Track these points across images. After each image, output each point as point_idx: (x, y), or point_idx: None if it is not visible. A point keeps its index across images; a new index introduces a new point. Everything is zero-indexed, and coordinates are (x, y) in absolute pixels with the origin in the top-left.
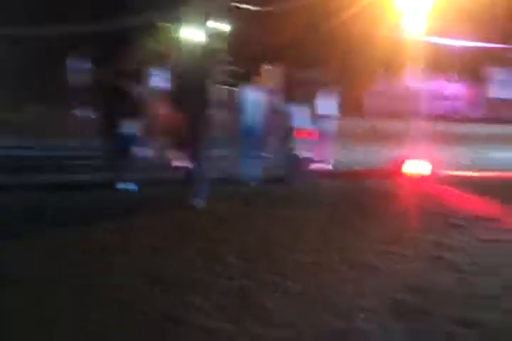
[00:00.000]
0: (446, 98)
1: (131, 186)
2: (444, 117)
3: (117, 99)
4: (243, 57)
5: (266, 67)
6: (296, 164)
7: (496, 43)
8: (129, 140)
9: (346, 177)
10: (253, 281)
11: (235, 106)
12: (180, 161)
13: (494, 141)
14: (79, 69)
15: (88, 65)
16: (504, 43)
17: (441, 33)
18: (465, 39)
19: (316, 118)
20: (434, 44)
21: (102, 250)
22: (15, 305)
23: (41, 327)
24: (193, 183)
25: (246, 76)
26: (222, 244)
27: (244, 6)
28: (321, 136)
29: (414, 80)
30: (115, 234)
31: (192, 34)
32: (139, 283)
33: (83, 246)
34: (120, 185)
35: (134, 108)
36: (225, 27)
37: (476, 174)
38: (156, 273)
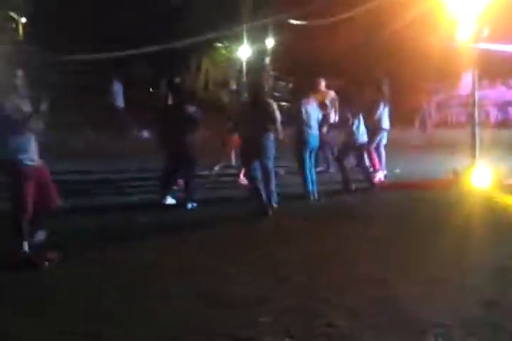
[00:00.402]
0: (508, 105)
1: (194, 204)
2: (505, 124)
3: (182, 120)
4: (294, 71)
5: (321, 82)
6: (367, 176)
7: None
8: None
9: (405, 188)
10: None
11: (300, 121)
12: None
13: None
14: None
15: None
16: None
17: (495, 39)
18: None
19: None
20: (489, 51)
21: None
22: None
23: None
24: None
25: (302, 91)
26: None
27: (296, 21)
28: (377, 148)
29: (471, 88)
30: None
31: (247, 52)
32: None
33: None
34: (188, 206)
35: (195, 128)
36: (272, 42)
37: None
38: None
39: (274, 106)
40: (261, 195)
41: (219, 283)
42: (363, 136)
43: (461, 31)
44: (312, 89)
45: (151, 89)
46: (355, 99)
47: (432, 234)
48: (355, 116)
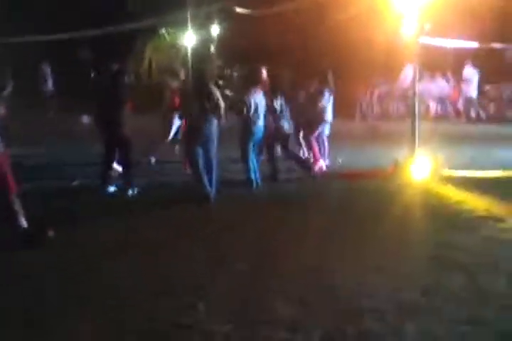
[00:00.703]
0: (447, 98)
1: (135, 190)
2: (444, 117)
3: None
4: (240, 60)
5: (262, 71)
6: (301, 165)
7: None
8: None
9: (347, 178)
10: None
11: (247, 110)
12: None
13: (493, 140)
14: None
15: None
16: (502, 42)
17: (438, 34)
18: (462, 39)
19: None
20: (430, 45)
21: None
22: None
23: None
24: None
25: (249, 80)
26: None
27: (241, 9)
28: (318, 138)
29: (412, 81)
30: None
31: (192, 39)
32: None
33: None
34: (129, 192)
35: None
36: (217, 30)
37: (478, 173)
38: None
39: (218, 93)
40: (203, 181)
41: (162, 271)
42: (287, 125)
43: (405, 26)
44: (255, 78)
45: (92, 74)
46: (285, 87)
47: (372, 224)
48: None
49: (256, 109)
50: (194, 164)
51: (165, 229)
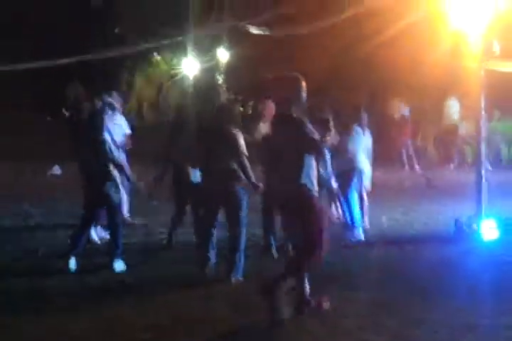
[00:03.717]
0: None
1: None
2: None
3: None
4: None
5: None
6: None
7: None
8: None
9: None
10: None
11: None
12: None
13: None
14: None
15: None
16: None
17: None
18: None
19: None
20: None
21: None
22: None
23: None
24: None
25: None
26: None
27: (257, 30)
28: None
29: (478, 119)
30: None
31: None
32: None
33: None
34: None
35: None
36: (226, 55)
37: None
38: None
39: (240, 137)
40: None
41: None
42: None
43: (467, 46)
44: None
45: (65, 113)
46: None
47: (431, 304)
48: None
49: None
50: (203, 239)
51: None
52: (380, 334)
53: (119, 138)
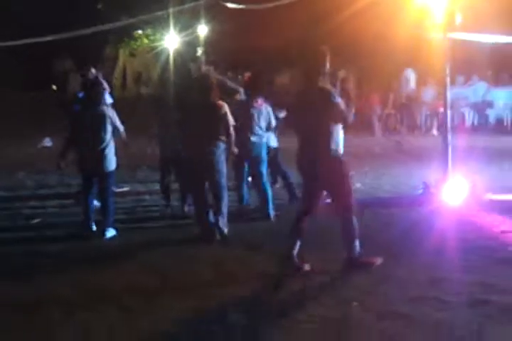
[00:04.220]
0: (487, 105)
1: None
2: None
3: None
4: (232, 65)
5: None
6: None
7: None
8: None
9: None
10: None
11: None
12: None
13: None
14: None
15: None
16: None
17: (472, 28)
18: (502, 34)
19: None
20: (463, 41)
21: None
22: None
23: None
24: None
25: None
26: None
27: (233, 5)
28: None
29: (443, 86)
30: None
31: (174, 41)
32: None
33: None
34: (107, 234)
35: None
36: (205, 30)
37: None
38: None
39: (226, 108)
40: (206, 219)
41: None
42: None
43: (431, 18)
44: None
45: (54, 87)
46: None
47: (396, 261)
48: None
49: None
50: (196, 203)
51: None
52: (350, 290)
53: None
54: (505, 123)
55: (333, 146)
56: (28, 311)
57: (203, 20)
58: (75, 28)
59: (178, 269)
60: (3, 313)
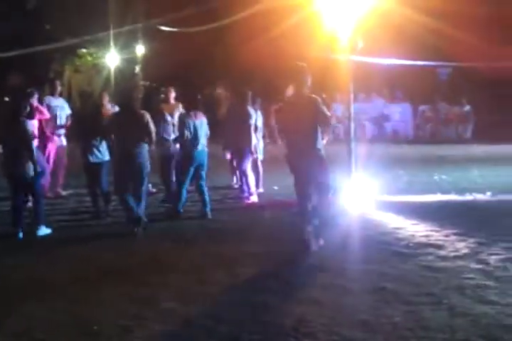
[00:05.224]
0: (384, 119)
1: (46, 230)
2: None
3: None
4: (167, 81)
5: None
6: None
7: (427, 60)
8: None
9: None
10: None
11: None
12: None
13: (431, 162)
14: None
15: None
16: (435, 60)
17: (372, 53)
18: (396, 57)
19: None
20: (366, 63)
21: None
22: None
23: None
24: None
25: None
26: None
27: (166, 28)
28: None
29: (347, 102)
30: None
31: (115, 59)
32: None
33: None
34: (39, 232)
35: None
36: (142, 49)
37: (415, 198)
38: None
39: (148, 117)
40: (131, 211)
41: (88, 310)
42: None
43: (337, 43)
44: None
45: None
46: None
47: (302, 255)
48: None
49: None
50: (121, 198)
51: (90, 267)
52: (267, 278)
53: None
54: (399, 135)
55: (318, 146)
56: None
57: (140, 41)
58: (28, 45)
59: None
60: None
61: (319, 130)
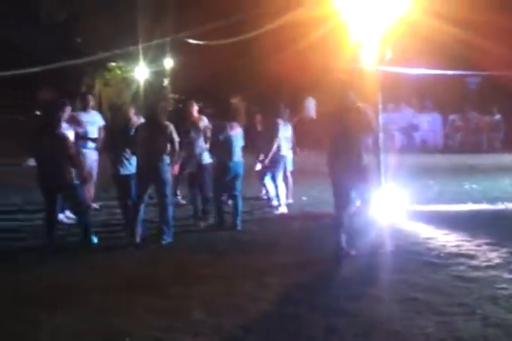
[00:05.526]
0: (413, 129)
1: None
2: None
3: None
4: (195, 94)
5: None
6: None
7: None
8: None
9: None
10: None
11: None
12: None
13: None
14: None
15: None
16: (463, 70)
17: (400, 63)
18: (425, 67)
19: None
20: (394, 73)
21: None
22: None
23: None
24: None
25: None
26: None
27: (194, 40)
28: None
29: (376, 112)
30: None
31: (144, 73)
32: None
33: None
34: (94, 240)
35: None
36: (170, 63)
37: (445, 207)
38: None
39: (171, 128)
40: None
41: (118, 321)
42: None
43: (364, 53)
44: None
45: (37, 112)
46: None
47: (335, 266)
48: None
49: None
50: (131, 209)
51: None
52: (297, 289)
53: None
54: (428, 144)
55: (364, 156)
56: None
57: (168, 54)
58: (58, 59)
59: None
60: None
61: (365, 141)
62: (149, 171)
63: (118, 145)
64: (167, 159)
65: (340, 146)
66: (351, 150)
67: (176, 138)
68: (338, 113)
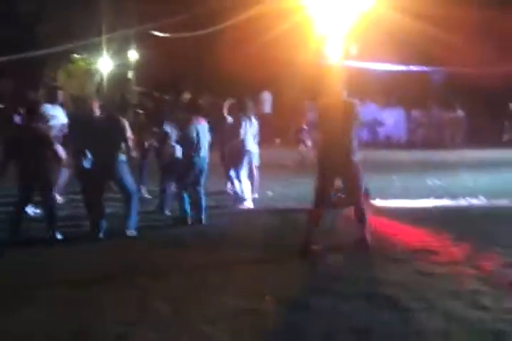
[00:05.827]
0: (377, 124)
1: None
2: (374, 145)
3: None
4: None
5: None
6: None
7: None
8: None
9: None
10: None
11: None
12: None
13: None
14: None
15: None
16: (428, 65)
17: (364, 58)
18: (389, 62)
19: None
20: (358, 68)
21: None
22: None
23: None
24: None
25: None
26: None
27: (159, 33)
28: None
29: None
30: None
31: (108, 65)
32: None
33: None
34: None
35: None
36: (135, 55)
37: (409, 203)
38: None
39: (125, 122)
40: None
41: (83, 316)
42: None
43: (329, 48)
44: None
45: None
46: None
47: (300, 259)
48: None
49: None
50: (88, 205)
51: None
52: (261, 284)
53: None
54: (392, 140)
55: (355, 151)
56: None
57: (133, 46)
58: (19, 50)
59: None
60: None
61: (355, 134)
62: (104, 170)
63: (81, 139)
64: (122, 157)
65: (333, 140)
66: (343, 145)
67: (130, 135)
68: (331, 108)
